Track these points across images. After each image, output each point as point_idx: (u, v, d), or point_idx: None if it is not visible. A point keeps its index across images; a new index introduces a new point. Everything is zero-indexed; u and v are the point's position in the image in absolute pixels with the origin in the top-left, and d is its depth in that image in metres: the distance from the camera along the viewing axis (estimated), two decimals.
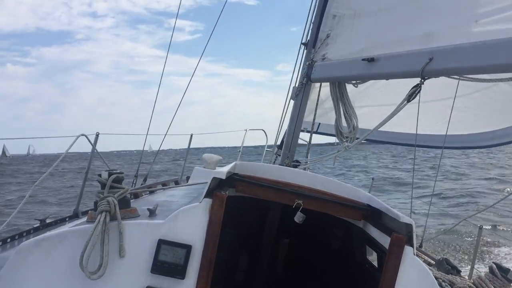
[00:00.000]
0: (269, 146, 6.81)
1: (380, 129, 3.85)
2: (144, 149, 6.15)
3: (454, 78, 2.80)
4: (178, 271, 2.20)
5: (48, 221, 4.34)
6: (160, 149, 5.90)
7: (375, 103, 5.64)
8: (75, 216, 4.78)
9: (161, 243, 2.20)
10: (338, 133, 4.00)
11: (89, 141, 4.76)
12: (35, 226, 4.18)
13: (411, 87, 2.91)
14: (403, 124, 5.49)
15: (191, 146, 6.72)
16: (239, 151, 7.29)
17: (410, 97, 2.89)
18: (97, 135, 5.11)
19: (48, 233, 2.25)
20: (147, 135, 5.71)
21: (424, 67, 2.71)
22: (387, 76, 3.38)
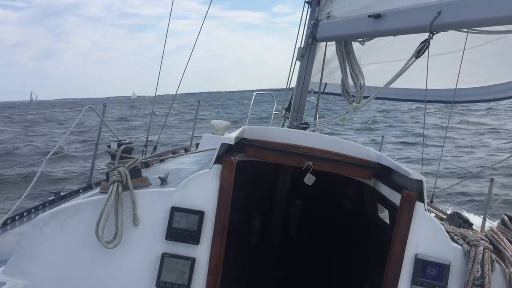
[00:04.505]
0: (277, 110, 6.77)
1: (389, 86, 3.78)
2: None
3: (463, 31, 2.71)
4: (192, 237, 2.23)
5: (62, 193, 4.44)
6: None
7: (383, 60, 5.53)
8: (88, 187, 4.88)
9: (174, 210, 2.23)
10: (345, 92, 3.95)
11: (97, 113, 4.78)
12: (50, 199, 4.28)
13: (419, 41, 2.83)
14: (412, 79, 5.39)
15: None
16: (247, 115, 7.25)
17: (419, 53, 2.82)
18: (104, 106, 5.14)
19: (63, 205, 2.29)
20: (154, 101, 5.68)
21: (433, 22, 2.62)
22: (395, 32, 3.28)
